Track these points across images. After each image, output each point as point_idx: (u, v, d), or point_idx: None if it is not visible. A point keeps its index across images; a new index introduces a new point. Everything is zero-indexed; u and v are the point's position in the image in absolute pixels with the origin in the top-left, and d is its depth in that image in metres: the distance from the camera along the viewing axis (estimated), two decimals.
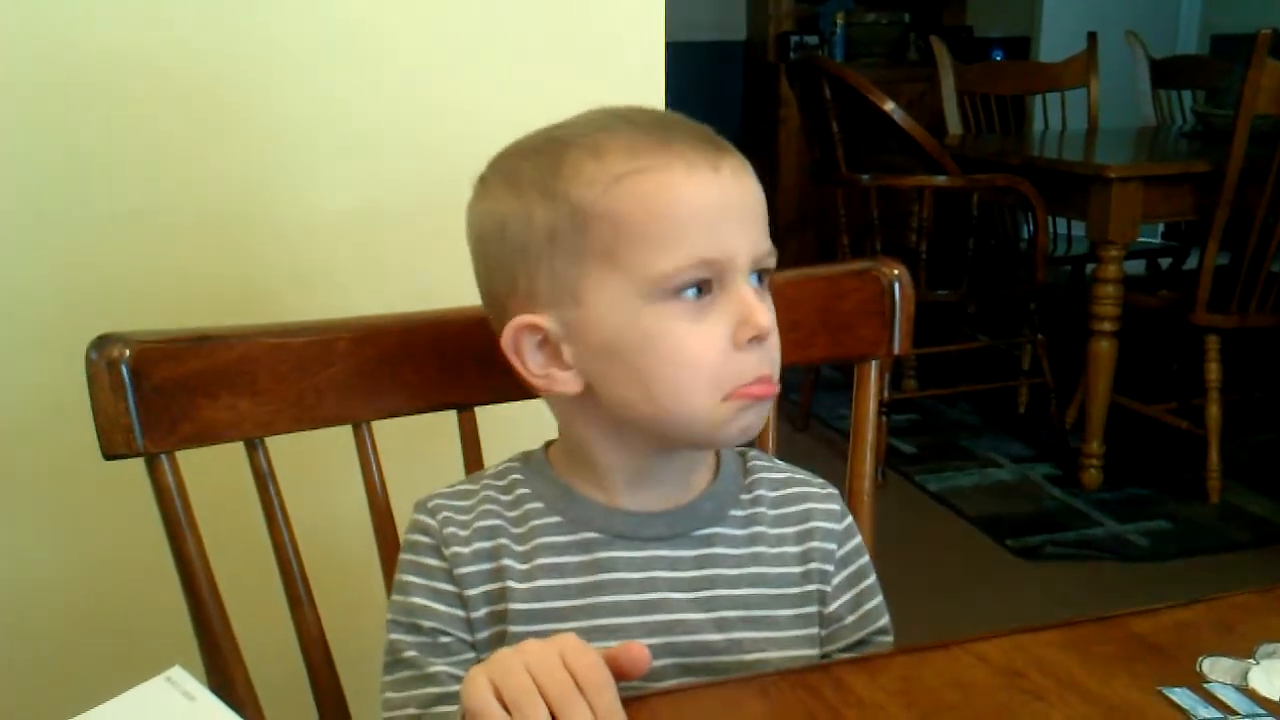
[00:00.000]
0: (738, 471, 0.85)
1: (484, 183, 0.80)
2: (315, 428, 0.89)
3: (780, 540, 0.82)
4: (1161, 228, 3.92)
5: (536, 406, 0.85)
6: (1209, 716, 0.61)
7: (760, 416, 0.77)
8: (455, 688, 0.76)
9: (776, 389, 0.77)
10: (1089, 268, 3.06)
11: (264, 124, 1.25)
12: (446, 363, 0.93)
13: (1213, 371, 2.73)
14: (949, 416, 3.46)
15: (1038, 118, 3.77)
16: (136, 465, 0.83)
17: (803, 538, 0.83)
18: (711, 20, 4.88)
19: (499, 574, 0.78)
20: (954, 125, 3.64)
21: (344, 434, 0.91)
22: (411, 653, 0.78)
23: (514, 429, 0.92)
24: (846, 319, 1.01)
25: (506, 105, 1.25)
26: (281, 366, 0.87)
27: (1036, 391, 3.35)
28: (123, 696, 0.61)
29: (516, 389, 0.95)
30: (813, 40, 4.65)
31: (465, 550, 0.79)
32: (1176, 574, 2.51)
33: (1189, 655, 0.67)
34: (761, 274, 0.76)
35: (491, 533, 0.80)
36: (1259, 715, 0.61)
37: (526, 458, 0.85)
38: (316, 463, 1.04)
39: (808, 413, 3.35)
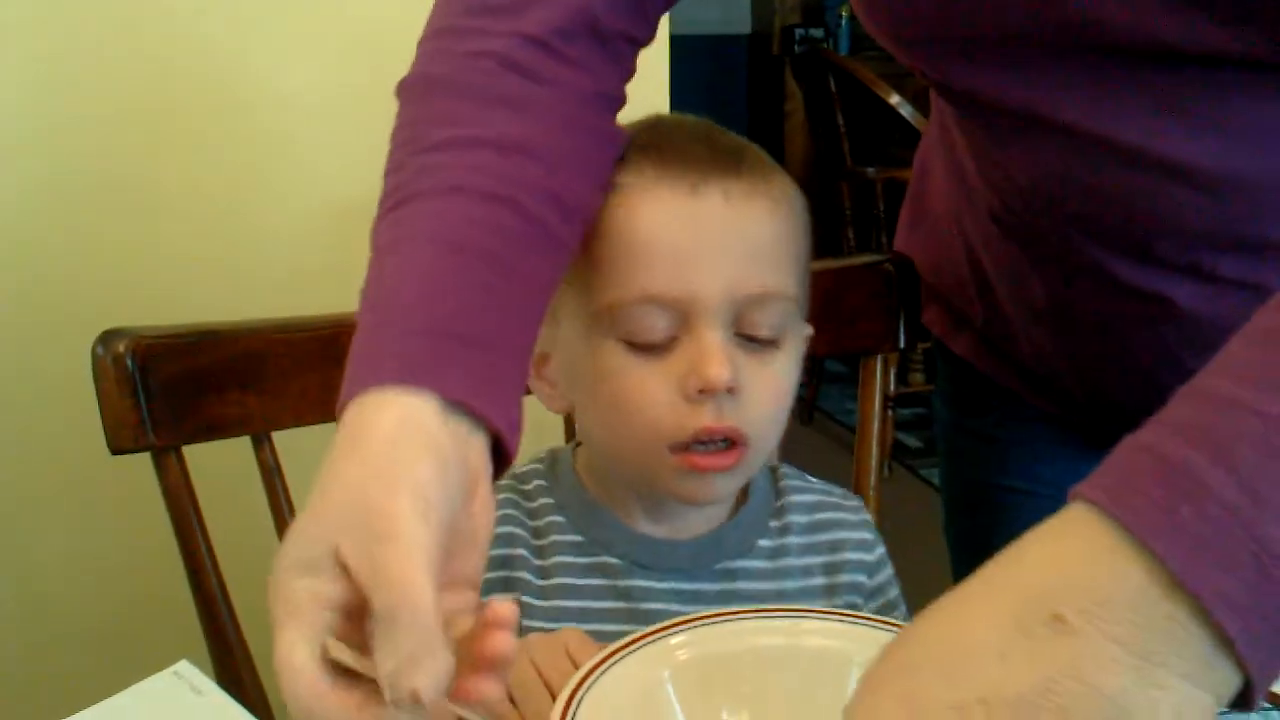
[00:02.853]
0: (769, 492, 0.79)
1: None
2: (323, 423, 0.90)
3: (807, 572, 0.76)
4: None
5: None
6: (1219, 712, 0.61)
7: (718, 486, 0.70)
8: None
9: (731, 460, 0.68)
10: None
11: (268, 116, 1.25)
12: None
13: None
14: None
15: None
16: (144, 461, 0.84)
17: (831, 570, 0.77)
18: (716, 14, 4.88)
19: (509, 585, 0.74)
20: None
21: None
22: None
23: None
24: (852, 313, 1.01)
25: None
26: (288, 362, 0.88)
27: None
28: (130, 690, 0.61)
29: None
30: (818, 33, 4.64)
31: (492, 576, 0.74)
32: None
33: None
34: (757, 318, 0.67)
35: (509, 540, 0.75)
36: (1266, 709, 0.61)
37: (553, 460, 0.80)
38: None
39: (812, 406, 3.35)
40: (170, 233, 1.23)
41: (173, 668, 0.63)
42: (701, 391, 0.65)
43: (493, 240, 0.58)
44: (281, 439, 0.89)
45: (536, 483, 0.78)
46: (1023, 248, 0.81)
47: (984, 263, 0.88)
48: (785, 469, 0.82)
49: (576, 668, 0.59)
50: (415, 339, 0.54)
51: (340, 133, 1.27)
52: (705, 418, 0.66)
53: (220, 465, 0.90)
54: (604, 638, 0.71)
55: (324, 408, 0.88)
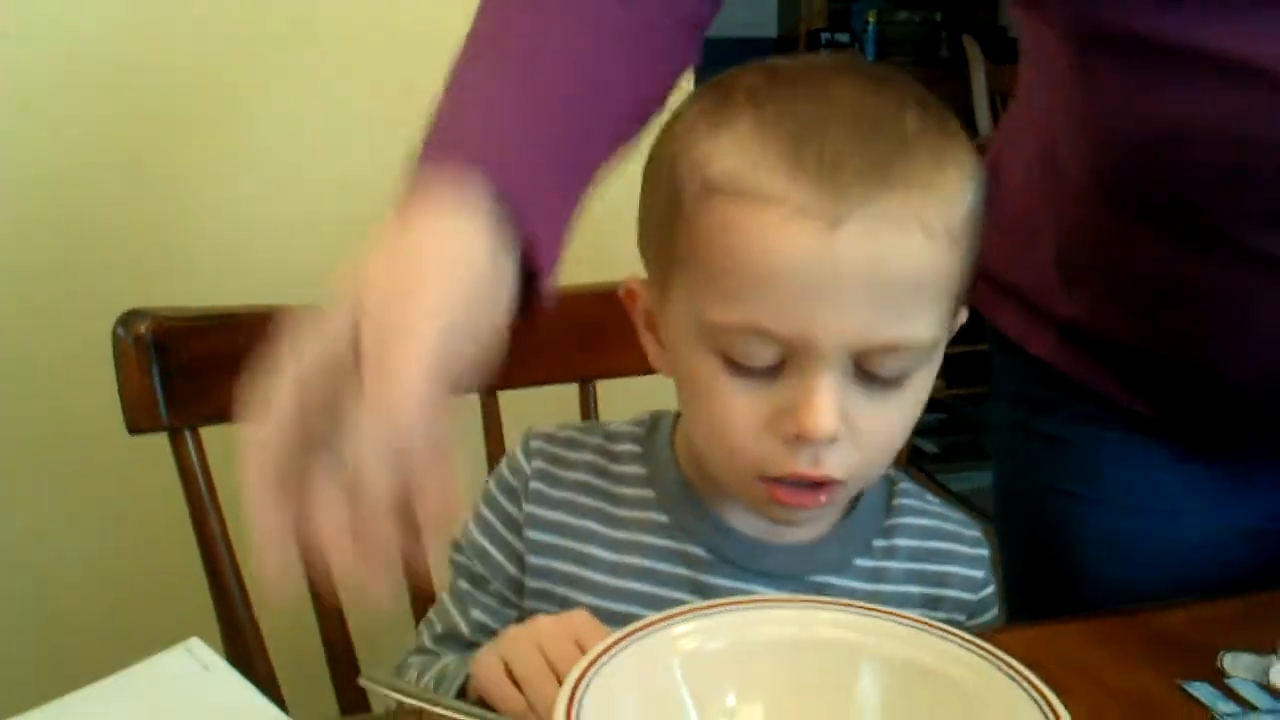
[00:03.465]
0: (880, 507, 0.74)
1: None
2: None
3: (905, 601, 0.71)
4: None
5: (563, 394, 0.84)
6: (1229, 711, 0.60)
7: (804, 517, 0.67)
8: (475, 640, 0.74)
9: (820, 500, 0.63)
10: None
11: (263, 118, 1.25)
12: None
13: None
14: (975, 416, 3.43)
15: None
16: (162, 441, 0.84)
17: (930, 603, 0.73)
18: (742, 17, 4.86)
19: (577, 559, 0.71)
20: (984, 125, 3.62)
21: None
22: (462, 583, 0.75)
23: (540, 417, 0.92)
24: None
25: None
26: None
27: None
28: (140, 665, 0.61)
29: (541, 375, 0.95)
30: (844, 38, 4.62)
31: (545, 515, 0.72)
32: None
33: (1210, 650, 0.67)
34: (882, 362, 0.60)
35: (582, 511, 0.72)
36: (1278, 711, 0.60)
37: (653, 427, 0.76)
38: None
39: None
40: (194, 216, 1.24)
41: (183, 644, 0.63)
42: (798, 438, 0.60)
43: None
44: None
45: (629, 447, 0.75)
46: (1136, 218, 0.77)
47: (1078, 247, 0.84)
48: (905, 484, 0.76)
49: (584, 654, 0.59)
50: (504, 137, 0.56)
51: (338, 133, 1.26)
52: (799, 463, 0.61)
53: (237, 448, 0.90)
54: None
55: None
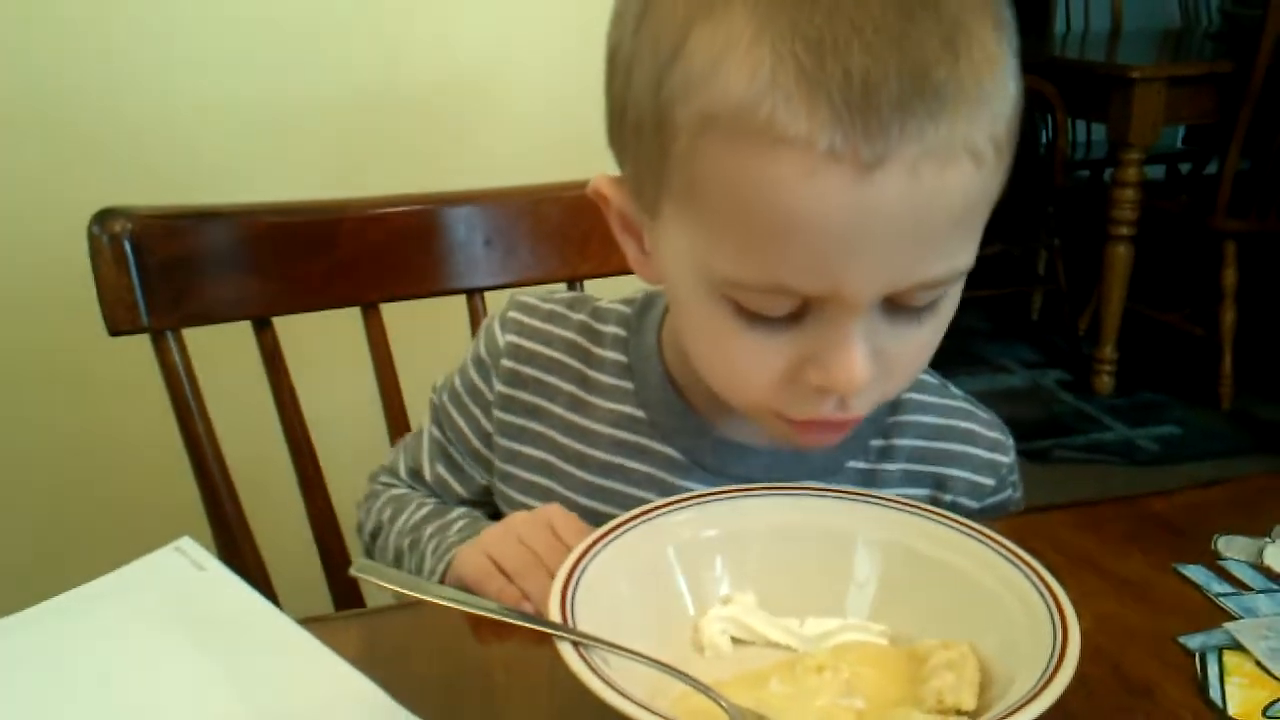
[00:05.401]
0: (884, 406, 0.65)
1: None
2: (322, 309, 0.88)
3: None
4: (1182, 133, 3.85)
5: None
6: (1223, 591, 0.60)
7: (821, 442, 0.59)
8: (431, 503, 0.74)
9: (843, 433, 0.58)
10: (1108, 172, 3.01)
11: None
12: (455, 246, 0.91)
13: (1229, 277, 2.70)
14: (961, 322, 3.37)
15: (1060, 18, 3.68)
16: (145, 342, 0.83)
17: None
18: None
19: (546, 445, 0.68)
20: None
21: (352, 319, 0.90)
22: (435, 430, 0.75)
23: None
24: None
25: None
26: (285, 246, 0.86)
27: (1050, 297, 3.33)
28: (132, 565, 0.61)
29: (529, 275, 0.94)
30: None
31: (515, 395, 0.69)
32: (1185, 478, 2.50)
33: (1204, 534, 0.67)
34: (917, 295, 0.52)
35: (553, 393, 0.68)
36: (1273, 590, 0.60)
37: (643, 309, 0.69)
38: (325, 349, 1.04)
39: None
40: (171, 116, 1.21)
41: (174, 543, 0.62)
42: (826, 389, 0.53)
43: None
44: (283, 324, 0.88)
45: (614, 330, 0.69)
46: None
47: None
48: (921, 377, 0.68)
49: (566, 545, 0.58)
50: None
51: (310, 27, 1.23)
52: (825, 409, 0.55)
53: (223, 348, 0.89)
54: None
55: (326, 293, 0.88)
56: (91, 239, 0.79)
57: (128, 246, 0.79)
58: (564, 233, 0.93)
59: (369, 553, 0.76)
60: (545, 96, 1.33)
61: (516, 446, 0.70)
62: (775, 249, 0.48)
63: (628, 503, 0.59)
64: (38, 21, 1.14)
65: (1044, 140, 3.09)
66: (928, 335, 0.55)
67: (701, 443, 0.66)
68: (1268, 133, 2.54)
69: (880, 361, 0.53)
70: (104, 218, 0.79)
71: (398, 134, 1.29)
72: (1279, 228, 2.64)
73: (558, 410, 0.69)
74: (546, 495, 0.69)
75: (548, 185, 0.94)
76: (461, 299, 0.93)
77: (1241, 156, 2.57)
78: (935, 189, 0.47)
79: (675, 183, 0.51)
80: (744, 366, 0.54)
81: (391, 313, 0.91)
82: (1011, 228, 3.58)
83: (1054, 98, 2.78)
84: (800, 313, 0.51)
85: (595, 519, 0.61)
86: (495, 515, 0.71)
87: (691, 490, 0.61)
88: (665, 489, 0.66)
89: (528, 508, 0.64)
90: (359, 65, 1.26)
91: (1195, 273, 2.91)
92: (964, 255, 0.52)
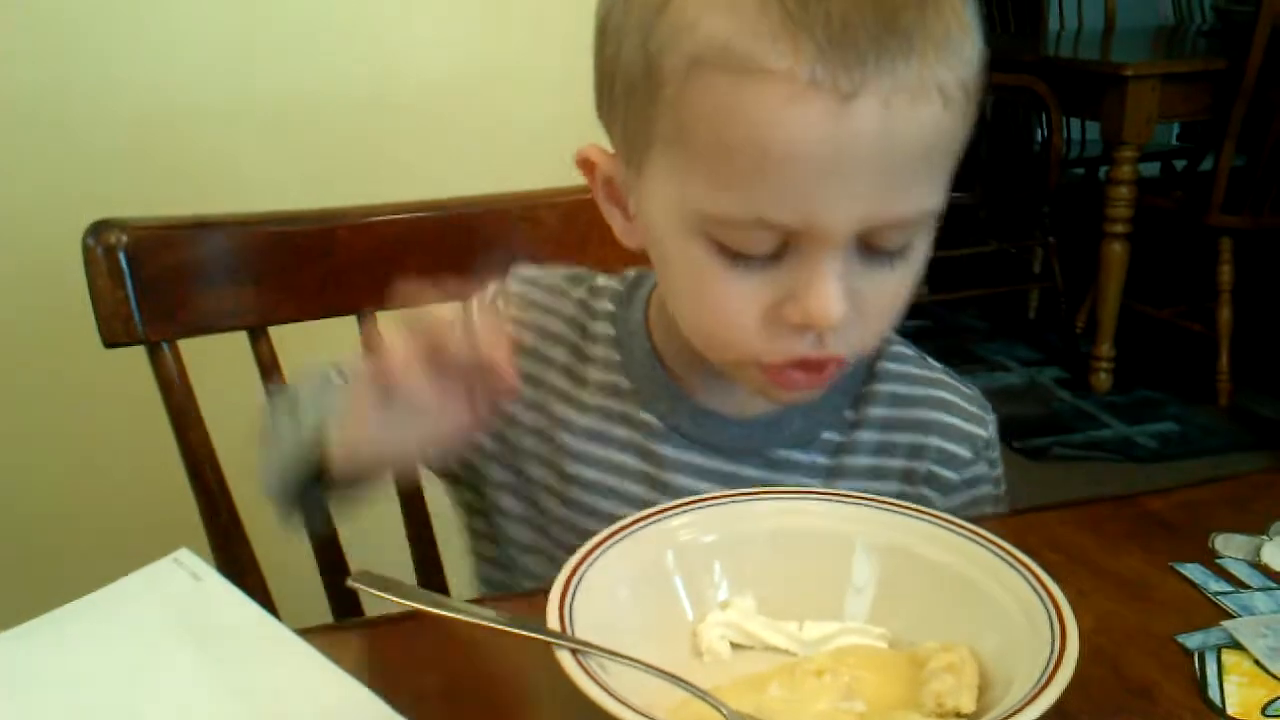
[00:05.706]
0: (857, 375, 0.70)
1: None
2: (318, 318, 0.88)
3: (873, 474, 0.69)
4: (1176, 130, 3.86)
5: None
6: (1221, 590, 0.60)
7: (804, 394, 0.63)
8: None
9: (824, 379, 0.61)
10: (1103, 170, 3.02)
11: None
12: (451, 253, 0.91)
13: (1225, 274, 2.71)
14: (958, 322, 3.44)
15: (1053, 16, 3.68)
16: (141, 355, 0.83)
17: (901, 476, 0.70)
18: None
19: (541, 412, 0.70)
20: None
21: (348, 328, 0.90)
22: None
23: None
24: None
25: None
26: (280, 255, 0.86)
27: (1047, 296, 3.33)
28: (130, 577, 0.61)
29: None
30: None
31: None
32: (1184, 475, 2.50)
33: (1201, 532, 0.67)
34: (890, 236, 0.56)
35: (548, 363, 0.70)
36: (1271, 588, 0.60)
37: (633, 287, 0.72)
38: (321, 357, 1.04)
39: None
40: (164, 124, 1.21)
41: (172, 555, 0.62)
42: (804, 326, 0.57)
43: None
44: (279, 334, 0.88)
45: (606, 305, 0.72)
46: None
47: None
48: (896, 346, 0.72)
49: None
50: None
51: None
52: (803, 347, 0.58)
53: (220, 359, 0.89)
54: (619, 497, 0.69)
55: (321, 301, 0.88)
56: (86, 251, 0.79)
57: (122, 258, 0.79)
58: (560, 238, 0.93)
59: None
60: (542, 102, 1.33)
61: (510, 410, 0.72)
62: (757, 180, 0.53)
63: (609, 467, 0.67)
64: (38, 21, 1.15)
65: (1039, 139, 3.10)
66: (899, 280, 0.59)
67: (680, 408, 0.69)
68: (1262, 128, 2.54)
69: (855, 302, 0.57)
70: (98, 230, 0.79)
71: (394, 138, 1.30)
72: (1275, 223, 2.64)
73: (551, 379, 0.71)
74: (532, 457, 0.71)
75: (544, 191, 0.94)
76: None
77: (1236, 153, 2.57)
78: (907, 121, 0.52)
79: (663, 128, 0.56)
80: (726, 309, 0.58)
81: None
82: (1007, 226, 3.59)
83: (1048, 96, 2.78)
84: (779, 253, 0.55)
85: (579, 483, 0.69)
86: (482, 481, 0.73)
87: (669, 455, 0.68)
88: (643, 453, 0.69)
89: (514, 471, 0.68)
90: (356, 70, 1.27)
91: (1191, 269, 2.92)
92: (932, 197, 0.56)
